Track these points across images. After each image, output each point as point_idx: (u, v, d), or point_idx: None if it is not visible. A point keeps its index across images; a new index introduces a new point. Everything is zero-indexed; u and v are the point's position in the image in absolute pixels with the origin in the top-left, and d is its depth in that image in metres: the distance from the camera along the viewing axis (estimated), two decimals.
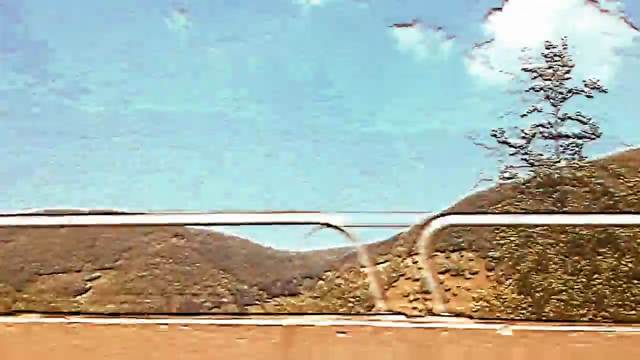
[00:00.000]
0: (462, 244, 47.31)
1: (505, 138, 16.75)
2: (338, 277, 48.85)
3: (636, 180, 16.54)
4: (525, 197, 16.56)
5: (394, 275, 46.75)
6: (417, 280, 45.76)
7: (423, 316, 1.79)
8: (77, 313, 1.88)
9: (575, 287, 14.82)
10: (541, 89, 16.92)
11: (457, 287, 47.06)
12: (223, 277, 72.80)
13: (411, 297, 46.33)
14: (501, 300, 16.45)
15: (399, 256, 53.05)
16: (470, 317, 1.80)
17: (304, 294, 62.87)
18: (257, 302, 65.37)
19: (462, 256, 47.03)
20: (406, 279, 49.75)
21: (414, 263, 49.42)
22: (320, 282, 51.57)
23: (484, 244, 45.37)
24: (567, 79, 16.92)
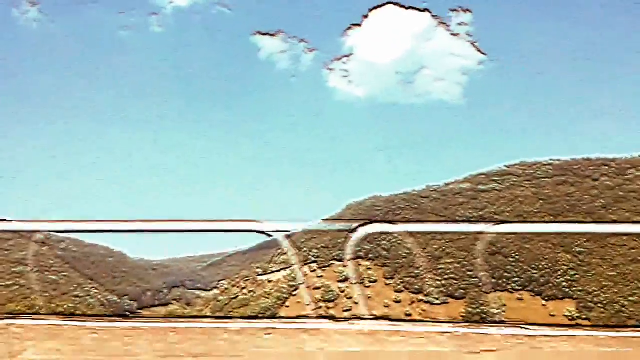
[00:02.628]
0: (359, 253, 48.71)
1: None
2: (234, 286, 47.97)
3: None
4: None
5: (293, 284, 47.01)
6: (317, 288, 46.49)
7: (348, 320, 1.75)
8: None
9: None
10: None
11: (359, 294, 48.78)
12: (92, 287, 67.74)
13: (313, 306, 46.79)
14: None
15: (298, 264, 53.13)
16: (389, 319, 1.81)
17: (174, 304, 60.78)
18: (128, 314, 61.47)
19: (359, 265, 48.47)
20: (307, 287, 49.90)
21: (312, 272, 50.22)
22: (215, 291, 50.24)
23: (381, 252, 47.43)
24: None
